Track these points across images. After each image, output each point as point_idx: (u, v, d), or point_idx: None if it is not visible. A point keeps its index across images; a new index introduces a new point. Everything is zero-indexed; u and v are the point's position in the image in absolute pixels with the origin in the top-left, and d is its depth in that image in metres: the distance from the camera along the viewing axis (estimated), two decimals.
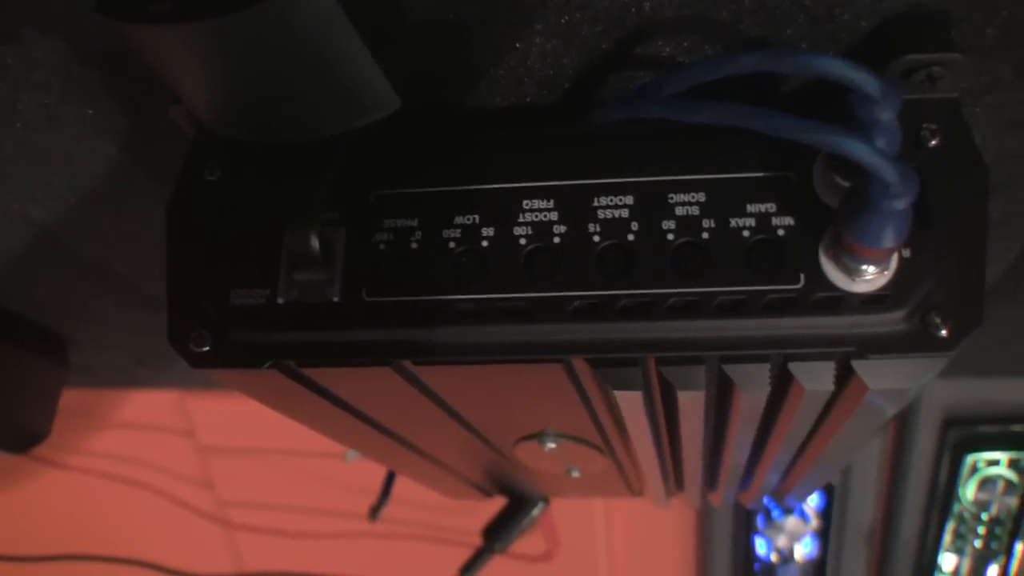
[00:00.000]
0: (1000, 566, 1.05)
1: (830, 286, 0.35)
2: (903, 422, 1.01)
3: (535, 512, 0.84)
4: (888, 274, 0.35)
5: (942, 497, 1.03)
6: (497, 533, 0.85)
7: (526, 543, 0.90)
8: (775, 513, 1.10)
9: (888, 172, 0.31)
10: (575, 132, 0.39)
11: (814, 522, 1.10)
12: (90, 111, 0.47)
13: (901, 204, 0.32)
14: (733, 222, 0.36)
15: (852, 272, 0.35)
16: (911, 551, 1.07)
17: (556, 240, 0.37)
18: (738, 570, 1.13)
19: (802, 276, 0.35)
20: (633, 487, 0.72)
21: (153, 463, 1.24)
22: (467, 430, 0.52)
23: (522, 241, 0.37)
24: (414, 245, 0.38)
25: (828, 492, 1.08)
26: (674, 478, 0.66)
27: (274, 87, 0.35)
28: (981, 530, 1.04)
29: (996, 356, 0.87)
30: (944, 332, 0.35)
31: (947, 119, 0.36)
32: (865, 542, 1.09)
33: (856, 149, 0.31)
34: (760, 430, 0.48)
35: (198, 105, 0.37)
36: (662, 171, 0.37)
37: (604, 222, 0.37)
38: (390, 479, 0.96)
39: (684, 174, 0.37)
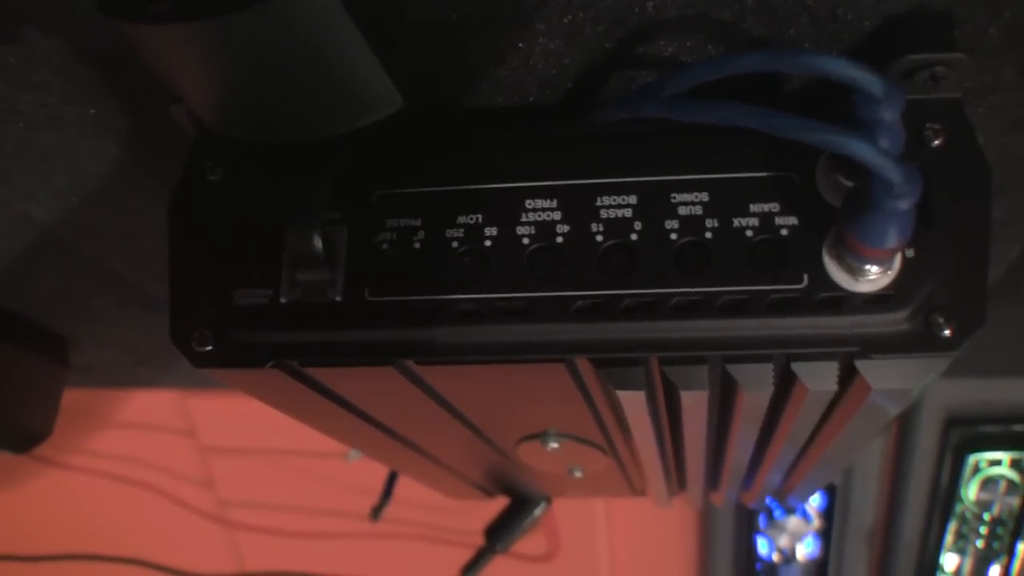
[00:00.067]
0: (1002, 566, 1.05)
1: (833, 286, 0.35)
2: (905, 422, 1.01)
3: (537, 512, 0.84)
4: (891, 274, 0.35)
5: (944, 497, 1.03)
6: (499, 533, 0.85)
7: (527, 543, 0.90)
8: (777, 513, 1.10)
9: (891, 172, 0.31)
10: (577, 132, 0.39)
11: (816, 522, 1.10)
12: (92, 111, 0.47)
13: (904, 204, 0.32)
14: (736, 222, 0.36)
15: (855, 272, 0.35)
16: (913, 551, 1.07)
17: (559, 240, 0.37)
18: (740, 570, 1.13)
19: (805, 276, 0.35)
20: (635, 487, 0.72)
21: (154, 463, 1.24)
22: (469, 430, 0.52)
23: (525, 241, 0.37)
24: (417, 245, 0.38)
25: (830, 492, 1.08)
26: (676, 478, 0.66)
27: (275, 87, 0.34)
28: (983, 530, 1.04)
29: (998, 356, 0.87)
30: (947, 332, 0.35)
31: (950, 119, 0.36)
32: (867, 542, 1.09)
33: (859, 149, 0.31)
34: (763, 430, 0.48)
35: (199, 105, 0.37)
36: (665, 171, 0.37)
37: (607, 222, 0.37)
38: (392, 479, 0.96)
39: (687, 174, 0.37)
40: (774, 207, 0.36)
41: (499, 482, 0.77)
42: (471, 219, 0.38)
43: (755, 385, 0.37)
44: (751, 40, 0.37)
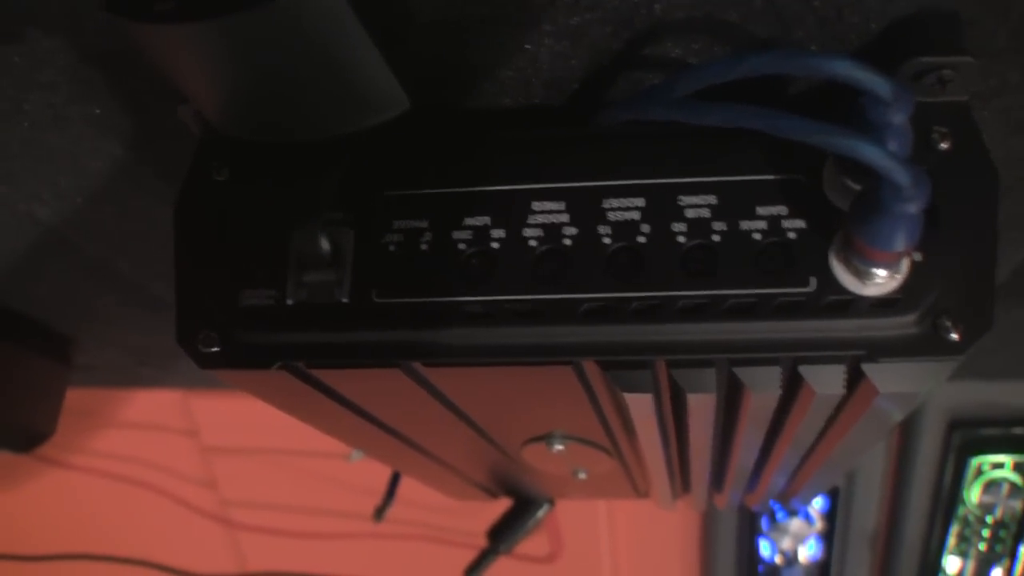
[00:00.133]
0: (1004, 569, 1.05)
1: (841, 289, 0.35)
2: (908, 425, 1.01)
3: (540, 514, 0.84)
4: (899, 278, 0.35)
5: (946, 500, 1.03)
6: (502, 534, 0.85)
7: (530, 544, 0.90)
8: (779, 515, 1.10)
9: (900, 175, 0.31)
10: (584, 133, 0.39)
11: (818, 524, 1.10)
12: (97, 111, 0.47)
13: (913, 208, 0.32)
14: (743, 225, 0.36)
15: (863, 275, 0.35)
16: (915, 554, 1.06)
17: (566, 242, 0.37)
18: (742, 572, 1.13)
19: (812, 279, 0.35)
20: (639, 489, 0.72)
21: (156, 463, 1.24)
22: (474, 431, 0.52)
23: (532, 243, 0.37)
24: (424, 246, 0.38)
25: (832, 494, 1.08)
26: (681, 480, 0.66)
27: (282, 87, 0.34)
28: (985, 533, 1.04)
29: (1001, 359, 0.87)
30: (955, 336, 0.35)
31: (957, 122, 0.36)
32: (869, 545, 1.09)
33: (868, 152, 0.31)
34: (769, 433, 0.48)
35: (206, 105, 0.37)
36: (672, 173, 0.37)
37: (614, 224, 0.37)
38: (395, 479, 0.96)
39: (694, 176, 0.37)
40: (781, 210, 0.36)
41: (502, 483, 0.77)
42: (478, 221, 0.38)
43: (762, 388, 0.37)
44: (758, 42, 0.37)
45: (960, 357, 0.35)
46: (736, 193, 0.36)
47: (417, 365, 0.39)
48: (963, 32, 0.36)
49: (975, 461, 1.02)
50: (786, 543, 1.10)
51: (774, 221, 0.36)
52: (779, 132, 0.32)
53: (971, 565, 1.06)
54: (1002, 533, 1.04)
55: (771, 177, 0.36)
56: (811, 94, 0.40)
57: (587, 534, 1.16)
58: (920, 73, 0.36)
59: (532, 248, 0.37)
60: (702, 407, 0.41)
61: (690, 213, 0.37)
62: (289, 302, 0.38)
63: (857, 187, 0.35)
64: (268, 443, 1.19)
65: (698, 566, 1.18)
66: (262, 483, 1.22)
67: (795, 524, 1.10)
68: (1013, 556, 1.04)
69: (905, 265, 0.35)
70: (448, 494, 0.81)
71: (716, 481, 0.67)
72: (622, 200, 0.37)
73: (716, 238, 0.36)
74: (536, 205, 0.38)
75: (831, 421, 0.45)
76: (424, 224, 0.38)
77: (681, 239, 0.36)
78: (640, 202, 0.37)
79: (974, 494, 1.02)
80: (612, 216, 0.37)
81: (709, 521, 1.14)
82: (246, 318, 0.39)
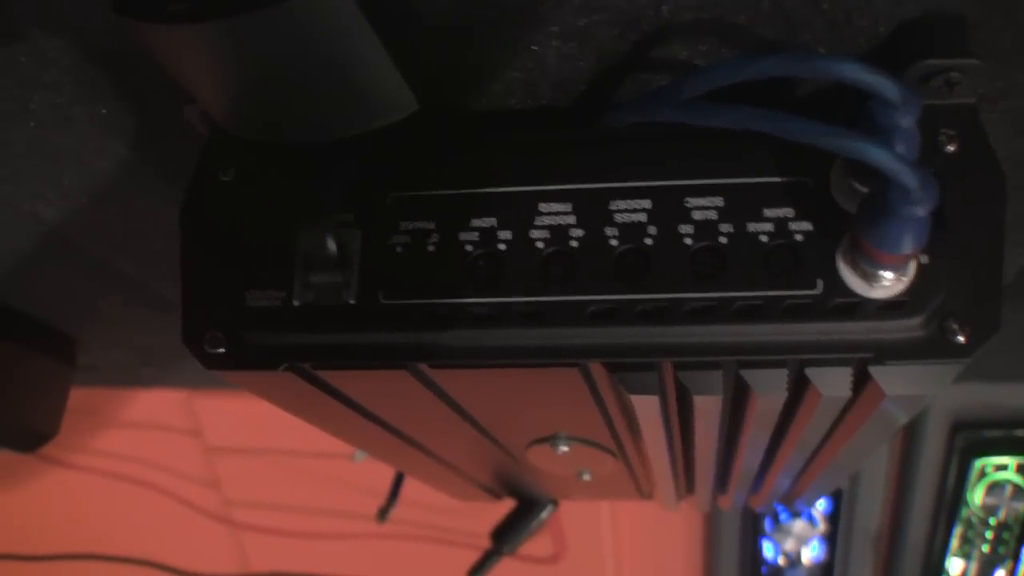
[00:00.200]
0: (1007, 571, 1.05)
1: (848, 292, 0.35)
2: (911, 426, 1.01)
3: (544, 515, 0.84)
4: (906, 280, 0.35)
5: (950, 501, 1.03)
6: (505, 535, 0.85)
7: (533, 545, 0.90)
8: (783, 516, 1.10)
9: (908, 178, 0.31)
10: (592, 135, 0.39)
11: (821, 526, 1.10)
12: (102, 111, 0.47)
13: (921, 211, 0.32)
14: (751, 227, 0.36)
15: (870, 278, 0.35)
16: (918, 555, 1.06)
17: (573, 244, 0.37)
18: (745, 573, 1.13)
19: (820, 282, 0.35)
20: (643, 490, 0.72)
21: (159, 463, 1.24)
22: (479, 433, 0.52)
23: (539, 244, 0.37)
24: (431, 248, 0.38)
25: (836, 496, 1.08)
26: (685, 481, 0.66)
27: (291, 88, 0.34)
28: (989, 535, 1.04)
29: (1005, 360, 0.87)
30: (961, 339, 0.35)
31: (964, 124, 0.36)
32: (872, 546, 1.09)
33: (877, 155, 0.30)
34: (774, 435, 0.48)
35: (213, 105, 0.36)
36: (679, 175, 0.37)
37: (621, 226, 0.37)
38: (399, 480, 0.96)
39: (701, 178, 0.37)
40: (789, 212, 0.36)
41: (506, 484, 0.77)
42: (485, 222, 0.38)
43: (769, 390, 0.37)
44: (766, 44, 0.37)
45: (967, 360, 0.35)
46: (743, 195, 0.36)
47: (423, 367, 0.39)
48: (970, 35, 0.36)
49: (979, 463, 1.01)
50: (789, 544, 1.10)
51: (781, 223, 0.36)
52: (788, 135, 0.32)
53: (974, 567, 1.06)
54: (1005, 535, 1.04)
55: (778, 179, 0.36)
56: (816, 96, 0.40)
57: (590, 535, 1.16)
58: (927, 75, 0.36)
59: (539, 250, 0.37)
60: (708, 409, 0.41)
61: (697, 215, 0.36)
62: (296, 303, 0.38)
63: (864, 189, 0.35)
64: (271, 443, 1.19)
65: (701, 567, 1.18)
66: (265, 483, 1.22)
67: (798, 525, 1.10)
68: (1016, 558, 1.04)
69: (912, 268, 0.35)
70: (452, 495, 0.81)
71: (720, 482, 0.67)
72: (629, 202, 0.37)
73: (723, 240, 0.36)
74: (543, 207, 0.38)
75: (837, 423, 0.45)
76: (431, 225, 0.38)
77: (688, 241, 0.36)
78: (647, 204, 0.37)
79: (977, 496, 1.02)
80: (619, 218, 0.37)
81: (712, 522, 1.14)
82: (252, 319, 0.39)
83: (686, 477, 0.64)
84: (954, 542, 1.05)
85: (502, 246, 0.38)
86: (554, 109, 0.42)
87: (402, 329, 0.38)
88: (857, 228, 0.34)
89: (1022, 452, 1.01)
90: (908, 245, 0.33)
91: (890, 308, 0.35)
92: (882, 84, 0.31)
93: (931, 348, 0.35)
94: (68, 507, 1.31)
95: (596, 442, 0.52)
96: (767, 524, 1.11)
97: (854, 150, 0.31)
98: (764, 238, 0.36)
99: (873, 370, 0.36)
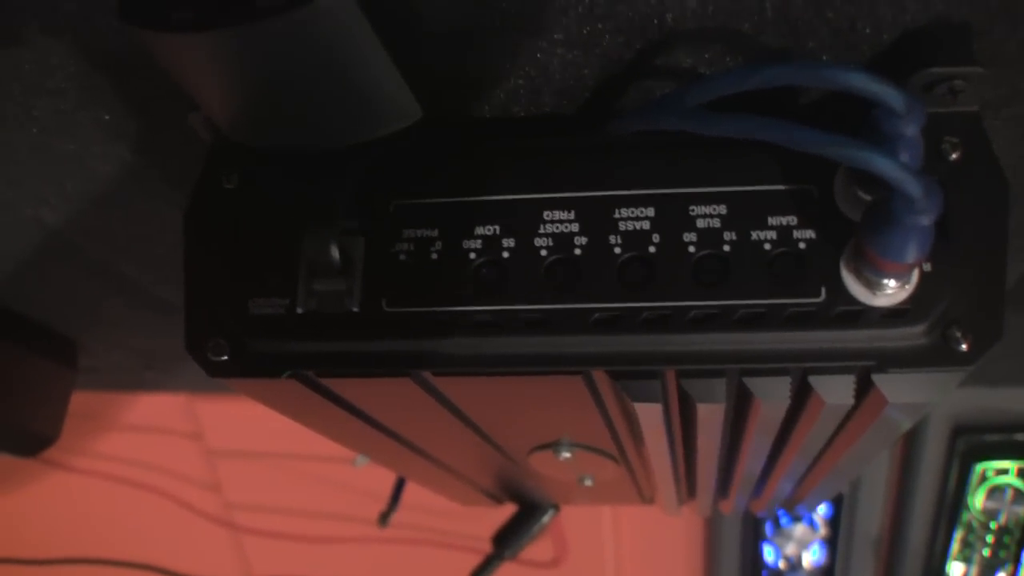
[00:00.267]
0: (1008, 575, 1.05)
1: (851, 300, 0.35)
2: (912, 431, 1.01)
3: (545, 519, 0.84)
4: (909, 288, 0.35)
5: (950, 506, 1.03)
6: (507, 540, 0.85)
7: (534, 549, 0.90)
8: (784, 521, 1.10)
9: (913, 187, 0.31)
10: (595, 143, 0.39)
11: (822, 530, 1.10)
12: (106, 116, 0.47)
13: (925, 220, 0.32)
14: (754, 235, 0.36)
15: (873, 286, 0.35)
16: (919, 559, 1.06)
17: (577, 252, 0.37)
18: None
19: (823, 289, 0.35)
20: (644, 495, 0.72)
21: (161, 466, 1.24)
22: (482, 439, 0.52)
23: (543, 252, 0.37)
24: (434, 255, 0.38)
25: (836, 500, 1.08)
26: (686, 486, 0.66)
27: (295, 96, 0.34)
28: (989, 539, 1.04)
29: (1006, 365, 0.87)
30: (964, 346, 0.35)
31: (968, 132, 0.36)
32: (873, 550, 1.09)
33: (881, 164, 0.30)
34: (776, 441, 0.48)
35: (218, 112, 0.37)
36: (683, 183, 0.37)
37: (625, 234, 0.37)
38: (400, 485, 0.95)
39: (705, 186, 0.37)
40: (792, 220, 0.36)
41: (508, 489, 0.77)
42: (488, 230, 0.38)
43: (772, 398, 0.37)
44: (770, 52, 0.37)
45: (970, 368, 0.35)
46: (747, 203, 0.36)
47: (427, 374, 0.39)
48: (973, 42, 0.36)
49: (979, 467, 1.01)
50: (790, 549, 1.10)
51: (785, 231, 0.36)
52: (793, 144, 0.32)
53: (975, 571, 1.06)
54: (1006, 539, 1.04)
55: (782, 187, 0.36)
56: (819, 104, 0.40)
57: (592, 539, 1.16)
58: (931, 84, 0.36)
59: (542, 257, 0.37)
60: (711, 416, 0.41)
61: (701, 223, 0.36)
62: (299, 311, 0.38)
63: (868, 198, 0.35)
64: (273, 447, 1.19)
65: (702, 571, 1.18)
66: (267, 487, 1.22)
67: (799, 530, 1.10)
68: (1017, 562, 1.04)
69: (915, 276, 0.35)
70: (453, 499, 0.81)
71: (722, 488, 0.67)
72: (633, 210, 0.37)
73: (727, 248, 0.36)
74: (547, 214, 0.38)
75: (839, 430, 0.45)
76: (434, 233, 0.38)
77: (692, 249, 0.36)
78: (651, 212, 0.37)
79: (978, 500, 1.02)
80: (623, 226, 0.37)
81: (713, 527, 1.14)
82: (256, 327, 0.39)
83: (688, 482, 0.64)
84: (955, 546, 1.05)
85: (505, 254, 0.38)
86: (558, 117, 0.42)
87: (405, 337, 0.38)
88: (861, 236, 0.34)
89: (1023, 456, 1.01)
90: (912, 254, 0.33)
91: (893, 316, 0.35)
92: (887, 94, 0.31)
93: (934, 356, 0.35)
94: (69, 511, 1.31)
95: (598, 448, 0.52)
96: (768, 528, 1.11)
97: (859, 160, 0.31)
98: (767, 246, 0.36)
99: (876, 378, 0.36)
